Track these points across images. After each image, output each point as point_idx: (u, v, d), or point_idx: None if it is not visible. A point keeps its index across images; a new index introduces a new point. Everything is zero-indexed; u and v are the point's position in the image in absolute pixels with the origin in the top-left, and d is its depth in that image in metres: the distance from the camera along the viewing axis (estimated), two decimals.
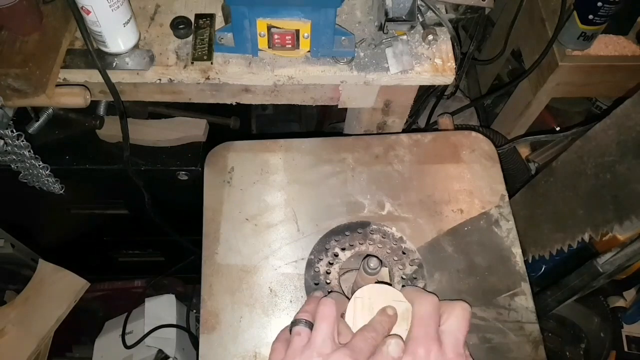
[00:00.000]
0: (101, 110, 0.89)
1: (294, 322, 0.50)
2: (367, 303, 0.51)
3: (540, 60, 1.03)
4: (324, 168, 0.71)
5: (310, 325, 0.49)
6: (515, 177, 1.11)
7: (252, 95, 0.80)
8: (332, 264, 0.64)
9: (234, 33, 0.69)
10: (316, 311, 0.49)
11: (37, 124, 0.84)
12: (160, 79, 0.72)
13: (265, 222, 0.67)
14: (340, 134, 1.15)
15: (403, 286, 0.62)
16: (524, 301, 0.63)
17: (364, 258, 0.54)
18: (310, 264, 0.64)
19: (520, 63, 1.30)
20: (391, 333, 0.49)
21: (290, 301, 0.62)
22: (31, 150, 0.80)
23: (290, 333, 0.49)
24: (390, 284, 0.55)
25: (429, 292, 0.51)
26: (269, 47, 0.69)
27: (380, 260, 0.54)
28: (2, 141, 0.76)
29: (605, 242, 0.81)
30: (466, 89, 1.55)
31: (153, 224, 1.05)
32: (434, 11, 0.72)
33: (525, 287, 0.64)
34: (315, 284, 0.62)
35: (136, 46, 0.72)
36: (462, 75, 0.98)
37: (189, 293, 1.43)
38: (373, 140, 0.74)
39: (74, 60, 0.71)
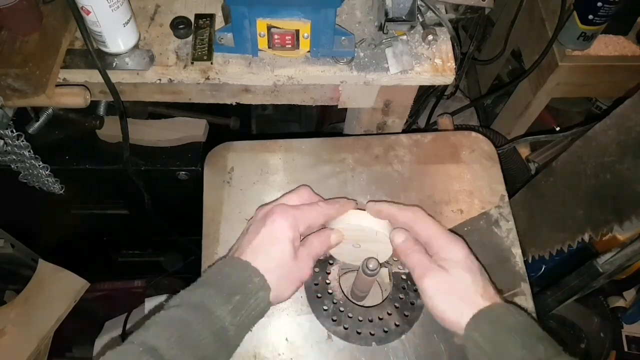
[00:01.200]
0: (101, 110, 0.89)
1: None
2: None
3: (540, 61, 1.03)
4: (323, 168, 0.71)
5: None
6: (515, 177, 1.11)
7: (252, 96, 0.80)
8: (331, 264, 0.64)
9: (234, 33, 0.69)
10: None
11: (37, 124, 0.84)
12: (160, 79, 0.72)
13: None
14: (340, 134, 1.15)
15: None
16: (524, 301, 0.63)
17: (363, 260, 0.55)
18: None
19: (520, 63, 1.30)
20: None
21: (290, 301, 0.62)
22: (31, 150, 0.80)
23: None
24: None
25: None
26: (268, 47, 0.69)
27: (379, 262, 0.54)
28: (2, 141, 0.76)
29: (605, 242, 0.81)
30: (466, 89, 1.55)
31: (153, 224, 1.05)
32: (433, 11, 0.72)
33: (525, 287, 0.64)
34: (315, 284, 0.62)
35: (136, 46, 0.72)
36: (462, 75, 0.98)
37: None
38: (373, 141, 0.74)
39: (74, 60, 0.71)
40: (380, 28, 0.72)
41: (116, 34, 0.68)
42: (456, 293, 0.52)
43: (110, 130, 0.89)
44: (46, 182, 0.89)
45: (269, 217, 0.54)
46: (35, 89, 0.67)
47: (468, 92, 1.53)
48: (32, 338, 1.17)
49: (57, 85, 0.71)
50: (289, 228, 0.53)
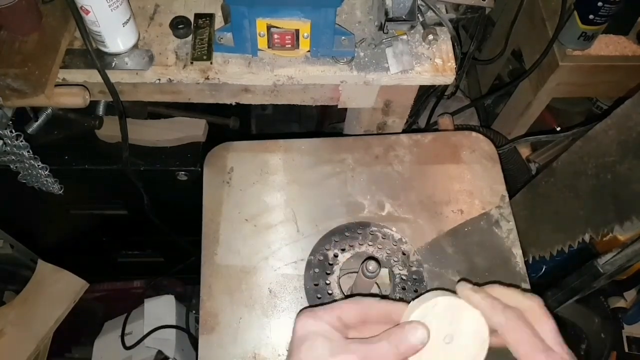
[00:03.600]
0: (100, 110, 0.89)
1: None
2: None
3: (540, 60, 1.03)
4: (323, 168, 0.71)
5: None
6: (516, 178, 1.11)
7: (251, 95, 0.80)
8: (332, 265, 0.64)
9: (234, 33, 0.69)
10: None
11: (36, 124, 0.84)
12: (159, 79, 0.72)
13: (265, 222, 0.66)
14: (340, 134, 1.15)
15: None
16: None
17: (363, 261, 0.54)
18: (309, 265, 0.64)
19: (520, 63, 1.30)
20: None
21: (290, 302, 0.62)
22: (30, 151, 0.79)
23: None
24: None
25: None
26: (268, 47, 0.69)
27: (379, 263, 0.54)
28: (1, 141, 0.76)
29: (605, 243, 0.80)
30: (466, 89, 1.55)
31: (152, 224, 1.04)
32: (434, 11, 0.72)
33: (526, 287, 0.64)
34: (314, 285, 0.62)
35: (135, 46, 0.72)
36: (462, 75, 0.97)
37: (189, 294, 1.43)
38: (373, 141, 0.73)
39: (73, 60, 0.71)
40: (381, 28, 0.72)
41: (115, 33, 0.68)
42: None
43: (109, 131, 0.89)
44: (45, 182, 0.89)
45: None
46: (35, 89, 0.67)
47: (468, 92, 1.53)
48: (31, 338, 1.17)
49: (56, 85, 0.70)
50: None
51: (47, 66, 0.68)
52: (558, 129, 1.30)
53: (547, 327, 0.43)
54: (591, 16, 0.93)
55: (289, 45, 0.68)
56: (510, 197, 0.70)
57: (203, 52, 0.72)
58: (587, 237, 0.74)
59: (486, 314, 0.43)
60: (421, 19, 0.73)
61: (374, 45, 0.73)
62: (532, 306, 0.44)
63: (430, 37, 0.72)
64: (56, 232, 1.24)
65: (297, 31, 0.66)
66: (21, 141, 0.77)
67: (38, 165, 0.84)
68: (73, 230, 1.21)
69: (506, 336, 0.42)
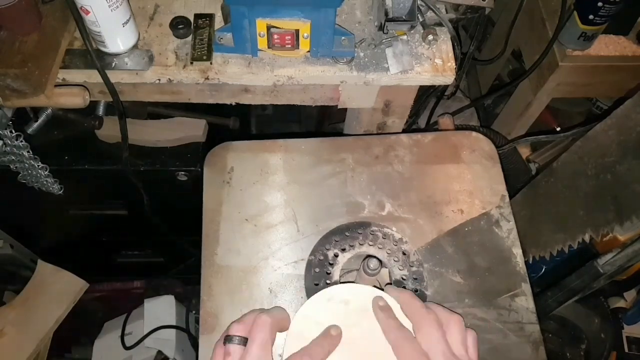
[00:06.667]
0: (100, 110, 0.89)
1: (228, 339, 0.49)
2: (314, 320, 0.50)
3: (540, 61, 1.03)
4: (323, 168, 0.71)
5: (244, 342, 0.48)
6: (516, 178, 1.11)
7: (251, 96, 0.80)
8: (332, 264, 0.64)
9: (234, 33, 0.69)
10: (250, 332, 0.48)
11: (36, 124, 0.84)
12: (159, 79, 0.72)
13: (265, 222, 0.66)
14: (340, 134, 1.15)
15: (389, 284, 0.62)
16: (525, 302, 0.63)
17: (364, 259, 0.54)
18: (310, 265, 0.64)
19: (520, 63, 1.30)
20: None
21: (290, 302, 0.62)
22: (30, 151, 0.80)
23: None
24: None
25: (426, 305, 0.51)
26: (268, 47, 0.69)
27: (380, 261, 0.54)
28: (1, 141, 0.76)
29: (605, 243, 0.81)
30: (466, 89, 1.55)
31: (152, 224, 1.04)
32: (434, 11, 0.72)
33: (526, 287, 0.64)
34: (315, 285, 0.62)
35: (135, 46, 0.72)
36: (462, 75, 0.97)
37: (189, 294, 1.43)
38: (373, 141, 0.73)
39: (73, 61, 0.71)
40: (380, 28, 0.72)
41: (115, 34, 0.68)
42: None
43: (109, 131, 0.89)
44: (45, 182, 0.89)
45: None
46: (34, 89, 0.67)
47: (468, 92, 1.53)
48: (31, 339, 1.17)
49: (56, 86, 0.70)
50: None
51: (47, 66, 0.68)
52: (558, 129, 1.31)
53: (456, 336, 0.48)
54: (591, 16, 0.93)
55: (289, 46, 0.68)
56: (511, 197, 0.70)
57: (203, 52, 0.72)
58: (587, 237, 0.75)
59: (406, 308, 0.50)
60: (421, 19, 0.73)
61: (374, 46, 0.73)
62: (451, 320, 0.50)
63: (430, 37, 0.72)
64: (56, 232, 1.24)
65: (297, 31, 0.66)
66: (21, 141, 0.77)
67: (38, 165, 0.84)
68: (73, 230, 1.21)
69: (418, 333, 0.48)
